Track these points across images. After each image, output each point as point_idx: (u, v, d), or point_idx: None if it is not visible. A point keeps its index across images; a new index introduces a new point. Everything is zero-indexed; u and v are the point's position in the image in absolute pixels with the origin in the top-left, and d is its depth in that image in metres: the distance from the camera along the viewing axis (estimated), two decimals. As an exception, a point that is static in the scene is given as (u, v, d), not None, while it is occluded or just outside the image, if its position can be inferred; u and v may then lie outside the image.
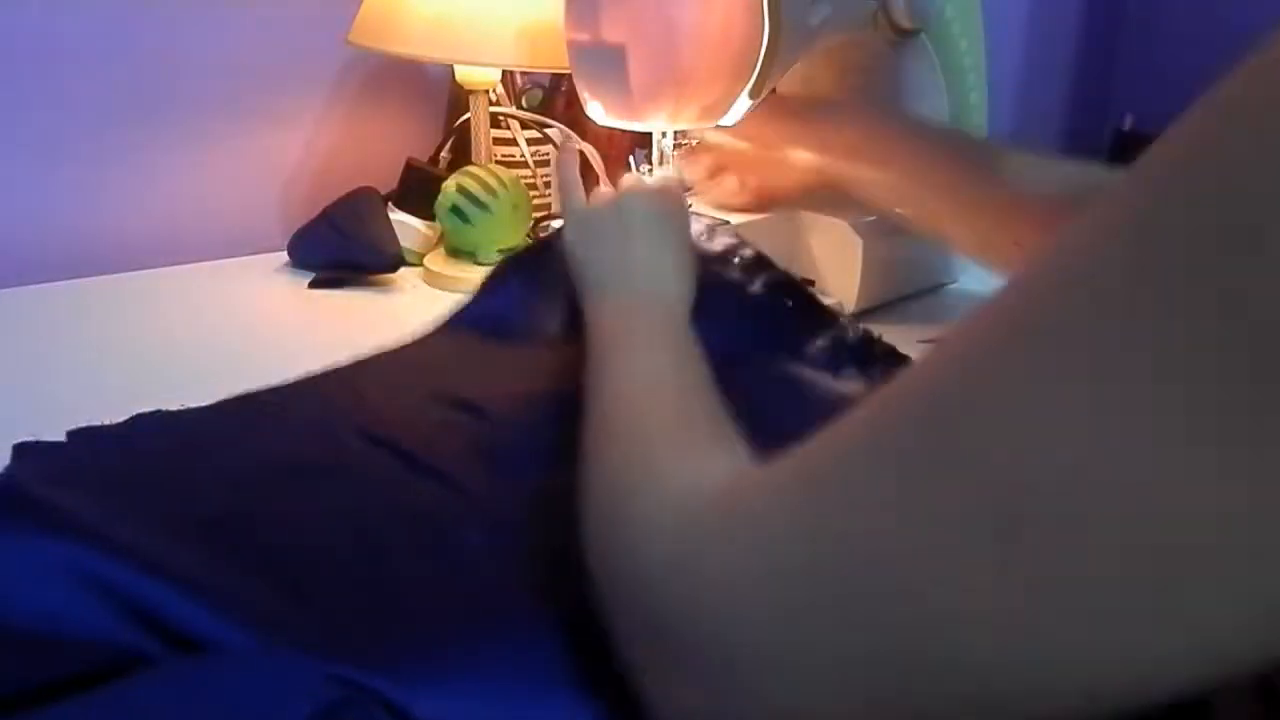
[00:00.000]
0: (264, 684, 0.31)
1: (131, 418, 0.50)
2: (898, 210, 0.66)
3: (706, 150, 0.73)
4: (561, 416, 0.48)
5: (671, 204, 0.59)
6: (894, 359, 0.61)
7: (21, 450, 0.46)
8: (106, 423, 0.49)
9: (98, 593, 0.35)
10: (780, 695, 0.25)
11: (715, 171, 0.73)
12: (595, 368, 0.46)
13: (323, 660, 0.33)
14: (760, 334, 0.62)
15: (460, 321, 0.65)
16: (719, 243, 0.67)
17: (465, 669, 0.34)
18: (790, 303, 0.64)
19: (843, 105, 0.72)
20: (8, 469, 0.44)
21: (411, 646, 0.35)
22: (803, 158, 0.67)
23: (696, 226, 0.69)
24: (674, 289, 0.53)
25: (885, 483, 0.23)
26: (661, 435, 0.37)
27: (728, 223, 0.71)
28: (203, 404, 0.52)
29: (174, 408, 0.51)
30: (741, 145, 0.71)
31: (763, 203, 0.72)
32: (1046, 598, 0.20)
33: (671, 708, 0.28)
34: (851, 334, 0.63)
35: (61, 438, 0.47)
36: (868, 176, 0.65)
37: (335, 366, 0.58)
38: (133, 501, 0.42)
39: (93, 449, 0.47)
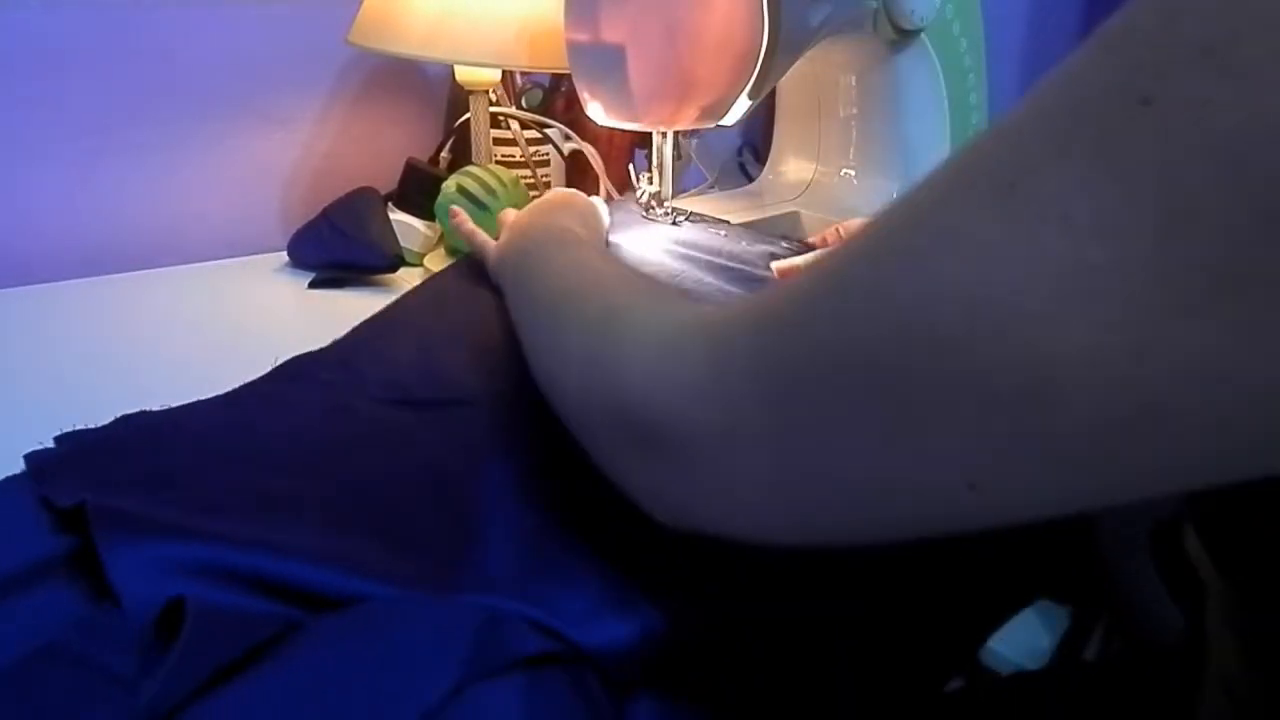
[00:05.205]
0: (422, 629, 0.34)
1: (117, 419, 0.49)
2: None
3: None
4: None
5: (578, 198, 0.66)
6: None
7: (38, 458, 0.44)
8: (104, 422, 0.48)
9: (224, 580, 0.36)
10: (721, 482, 0.30)
11: None
12: (528, 266, 0.51)
13: (445, 593, 0.36)
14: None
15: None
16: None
17: (556, 587, 0.38)
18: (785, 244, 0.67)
19: None
20: (37, 479, 0.42)
21: (517, 571, 0.39)
22: None
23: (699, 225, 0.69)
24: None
25: (823, 321, 0.26)
26: (634, 285, 0.42)
27: (728, 222, 0.71)
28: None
29: (176, 407, 0.51)
30: None
31: None
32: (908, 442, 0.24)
33: (648, 493, 0.34)
34: None
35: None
36: None
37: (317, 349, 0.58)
38: (186, 492, 0.42)
39: (110, 450, 0.46)
